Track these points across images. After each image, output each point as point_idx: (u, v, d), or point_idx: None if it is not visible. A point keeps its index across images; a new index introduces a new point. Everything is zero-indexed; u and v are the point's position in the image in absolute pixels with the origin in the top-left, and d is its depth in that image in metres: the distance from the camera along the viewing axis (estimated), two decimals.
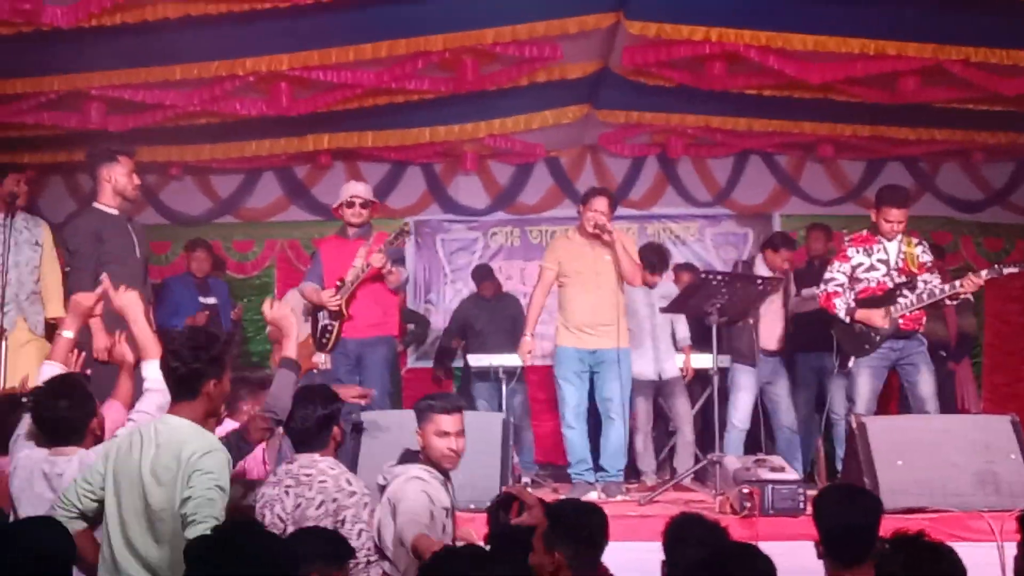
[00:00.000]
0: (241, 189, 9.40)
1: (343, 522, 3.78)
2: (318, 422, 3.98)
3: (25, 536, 2.56)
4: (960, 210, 9.51)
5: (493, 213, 9.56)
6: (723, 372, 6.79)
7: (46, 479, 3.63)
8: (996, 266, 6.02)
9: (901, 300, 5.96)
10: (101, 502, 3.33)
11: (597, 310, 6.17)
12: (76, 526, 3.30)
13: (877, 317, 5.94)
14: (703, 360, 7.12)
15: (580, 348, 6.21)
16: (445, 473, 4.04)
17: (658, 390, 7.30)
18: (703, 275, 6.47)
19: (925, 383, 5.95)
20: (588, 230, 6.23)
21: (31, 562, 2.52)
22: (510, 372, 7.59)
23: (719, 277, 6.22)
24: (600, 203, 6.24)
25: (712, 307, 6.02)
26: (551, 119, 8.22)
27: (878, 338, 5.96)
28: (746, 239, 9.65)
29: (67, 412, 3.72)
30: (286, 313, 4.08)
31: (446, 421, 4.01)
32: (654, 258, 7.31)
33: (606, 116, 8.28)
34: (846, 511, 3.32)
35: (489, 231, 9.71)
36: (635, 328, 6.90)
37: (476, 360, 7.68)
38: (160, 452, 3.23)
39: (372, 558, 3.83)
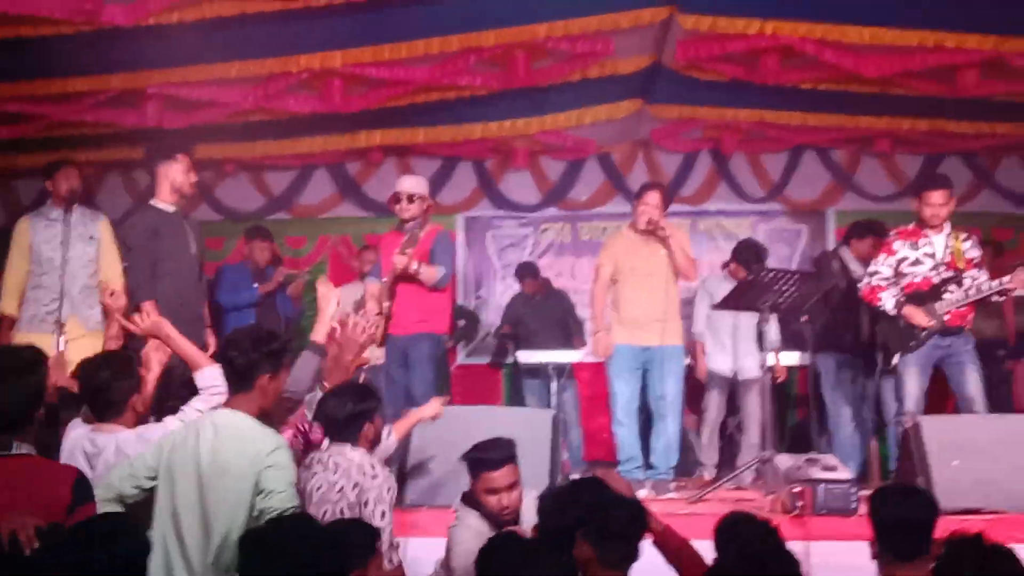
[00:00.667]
0: (294, 185, 9.51)
1: (366, 504, 3.78)
2: (347, 416, 3.95)
3: (103, 535, 2.58)
4: (1021, 206, 9.30)
5: (544, 209, 9.55)
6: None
7: (86, 457, 3.69)
8: None
9: (947, 296, 5.85)
10: (141, 489, 3.37)
11: (651, 306, 6.16)
12: (110, 509, 3.33)
13: (922, 317, 5.84)
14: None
15: (633, 345, 6.20)
16: (505, 522, 3.93)
17: (733, 388, 7.26)
18: (755, 271, 6.40)
19: (972, 383, 5.82)
20: (641, 226, 6.21)
21: (107, 561, 2.55)
22: (559, 369, 7.59)
23: (771, 273, 6.15)
24: (652, 197, 6.23)
25: (764, 304, 5.97)
26: (603, 114, 8.19)
27: (924, 334, 5.86)
28: (799, 235, 9.53)
29: (108, 382, 3.78)
30: (325, 293, 4.16)
31: (494, 478, 3.90)
32: (749, 255, 7.31)
33: (658, 111, 8.22)
34: (903, 506, 3.30)
35: (540, 227, 9.70)
36: (717, 324, 6.87)
37: (526, 357, 7.69)
38: (223, 444, 3.28)
39: (396, 542, 3.85)
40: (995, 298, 5.95)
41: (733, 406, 7.60)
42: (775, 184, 9.31)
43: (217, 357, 3.64)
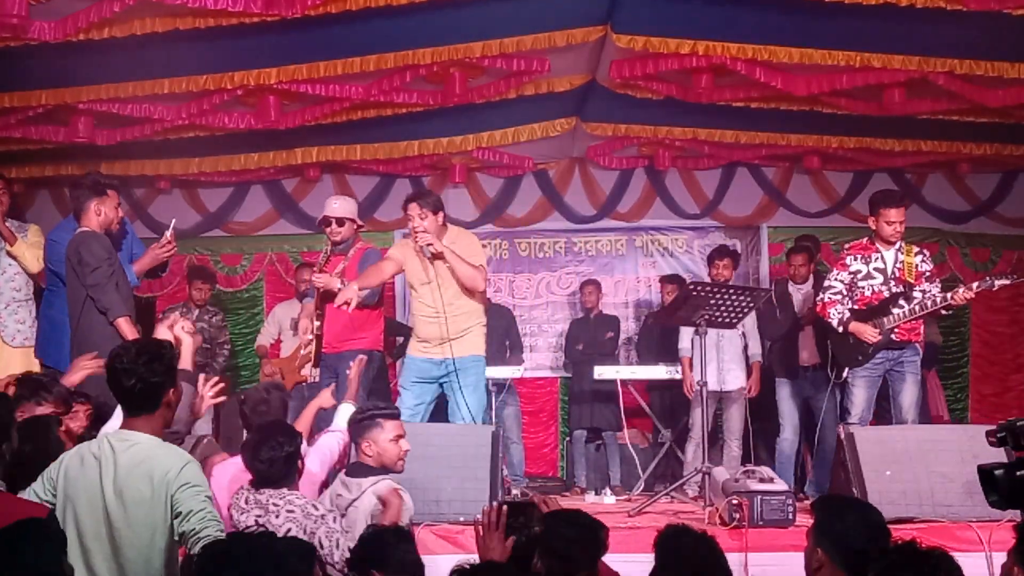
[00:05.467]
0: (230, 202, 9.39)
1: (319, 542, 3.74)
2: (286, 459, 3.90)
3: (18, 539, 2.50)
4: (946, 221, 9.56)
5: (482, 226, 9.55)
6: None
7: None
8: (988, 278, 6.04)
9: (895, 311, 5.99)
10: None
11: (435, 320, 5.94)
12: None
13: (869, 333, 5.97)
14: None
15: (418, 356, 6.03)
16: None
17: (719, 402, 7.31)
18: (689, 287, 6.48)
19: (908, 393, 5.99)
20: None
21: (23, 566, 2.48)
22: (500, 384, 7.59)
23: (705, 288, 6.22)
24: (412, 210, 5.89)
25: (700, 318, 6.04)
26: (539, 132, 8.25)
27: (871, 349, 5.99)
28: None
29: None
30: (180, 333, 3.94)
31: (394, 426, 4.31)
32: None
33: (594, 129, 8.30)
34: (869, 523, 3.23)
35: None
36: (702, 340, 6.91)
37: None
38: (124, 472, 3.08)
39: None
40: (942, 312, 6.18)
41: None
42: (709, 200, 9.44)
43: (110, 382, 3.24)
